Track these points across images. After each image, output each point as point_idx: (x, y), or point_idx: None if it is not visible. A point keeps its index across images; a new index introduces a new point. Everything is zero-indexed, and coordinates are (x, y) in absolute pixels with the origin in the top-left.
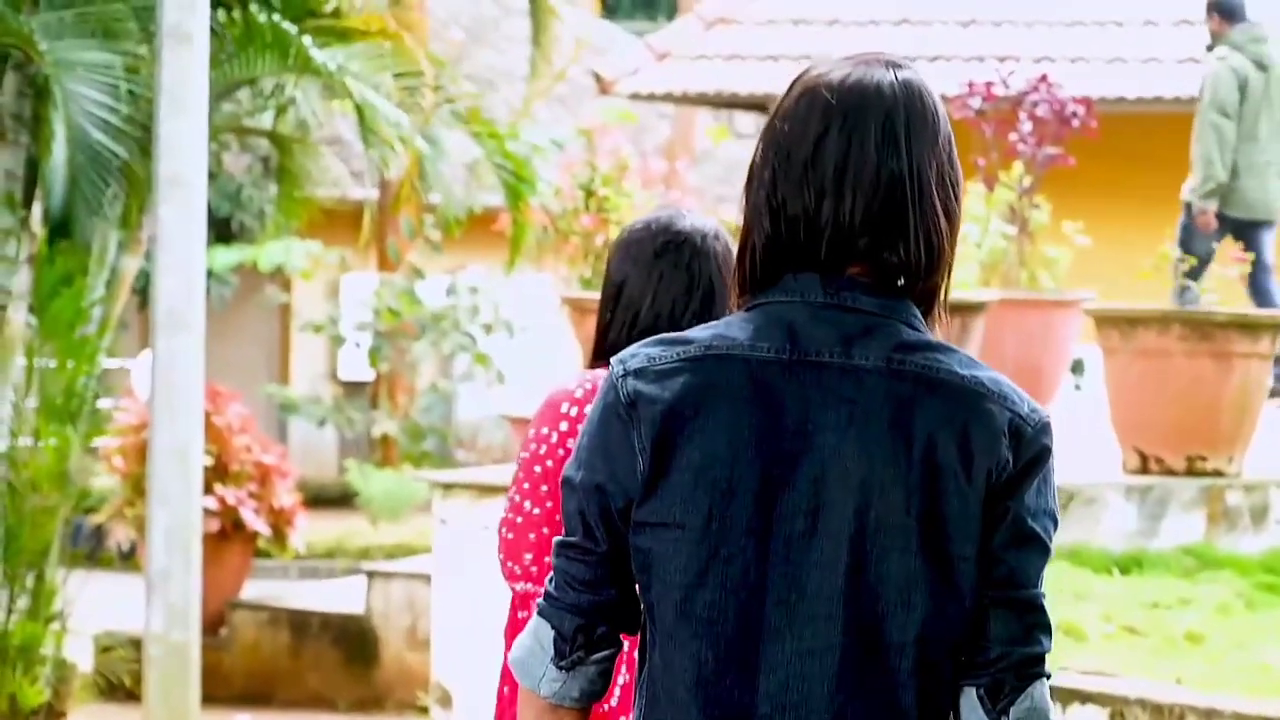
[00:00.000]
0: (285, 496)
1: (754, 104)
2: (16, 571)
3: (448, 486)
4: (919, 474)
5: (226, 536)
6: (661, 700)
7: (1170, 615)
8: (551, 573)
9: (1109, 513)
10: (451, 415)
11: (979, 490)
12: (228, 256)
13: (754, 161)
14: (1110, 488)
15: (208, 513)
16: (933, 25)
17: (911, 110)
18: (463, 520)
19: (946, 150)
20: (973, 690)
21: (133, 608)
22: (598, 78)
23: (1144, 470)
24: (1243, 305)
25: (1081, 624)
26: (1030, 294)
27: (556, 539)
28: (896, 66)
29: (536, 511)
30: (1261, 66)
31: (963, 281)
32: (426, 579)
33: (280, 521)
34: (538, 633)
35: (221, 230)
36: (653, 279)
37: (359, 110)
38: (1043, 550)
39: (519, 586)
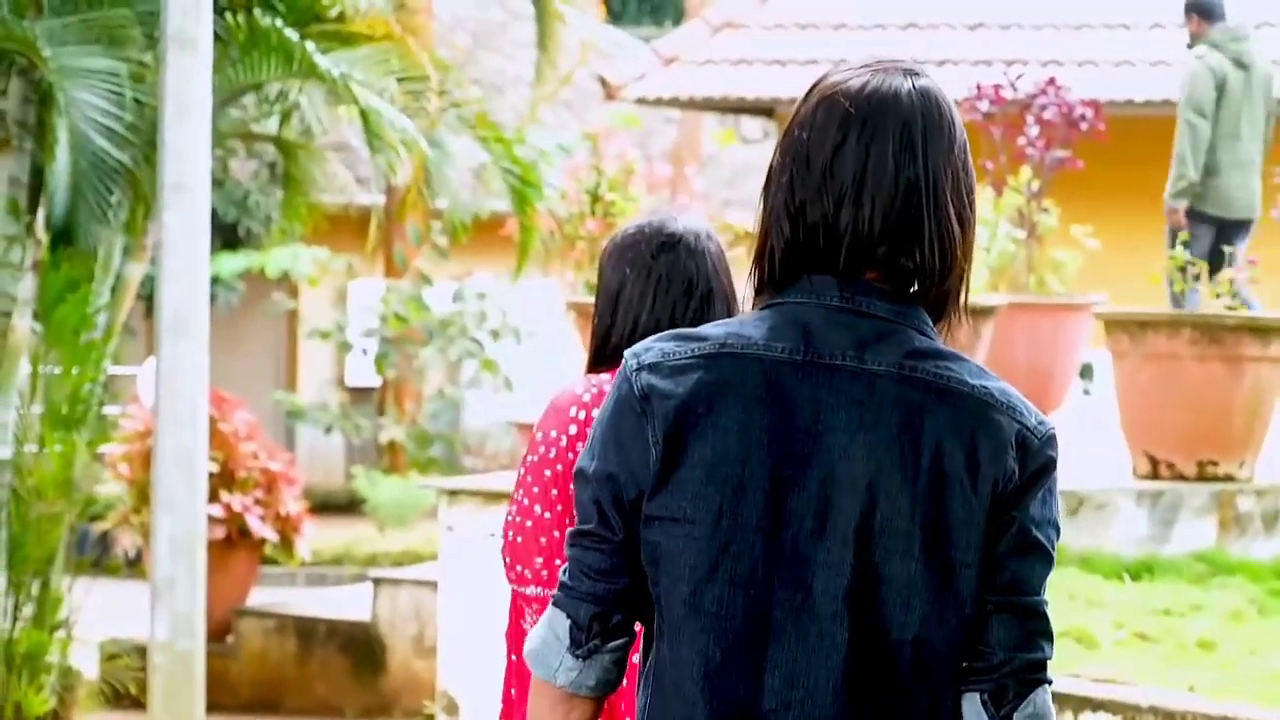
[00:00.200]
0: (292, 504)
1: (760, 109)
2: (22, 579)
3: (453, 493)
4: (926, 481)
5: (233, 544)
6: (668, 693)
7: (1182, 622)
8: (567, 562)
9: (1120, 518)
10: (459, 422)
11: (984, 500)
12: (234, 263)
13: (772, 166)
14: (1121, 493)
15: (214, 520)
16: (940, 29)
17: (929, 118)
18: (469, 527)
19: (962, 158)
20: (976, 695)
21: (139, 615)
22: (603, 83)
23: (1155, 475)
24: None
25: (1093, 631)
26: (1039, 298)
27: (571, 529)
28: (914, 74)
29: (547, 515)
30: (1241, 65)
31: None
32: (433, 586)
33: (287, 529)
34: (553, 623)
35: (228, 236)
36: (651, 282)
37: (364, 115)
38: (1046, 559)
39: (529, 590)
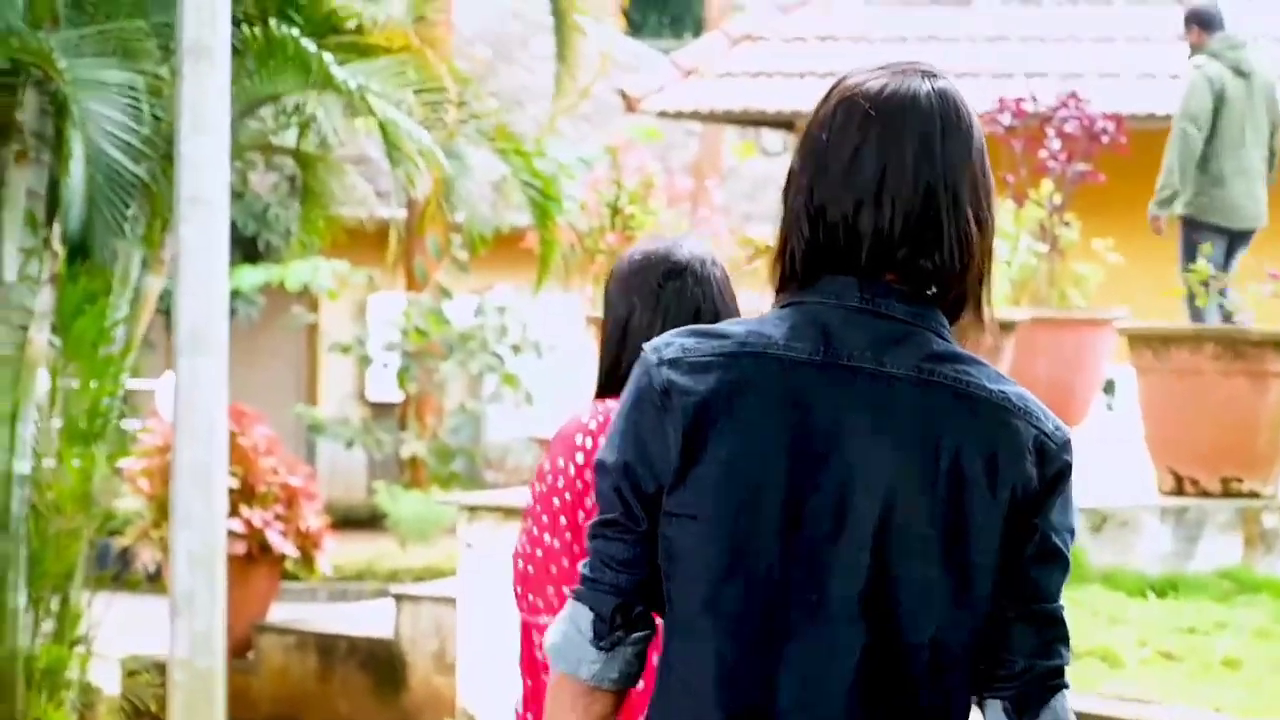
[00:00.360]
0: (312, 519)
1: (781, 121)
2: (41, 594)
3: (473, 509)
4: (944, 485)
5: (253, 559)
6: (675, 690)
7: (1207, 640)
8: (588, 556)
9: (1143, 535)
10: (480, 436)
11: (1002, 505)
12: (254, 276)
13: (792, 167)
14: (1145, 510)
15: (234, 535)
16: (961, 41)
17: (947, 120)
18: (488, 543)
19: (980, 160)
20: (998, 703)
21: (160, 631)
22: (624, 95)
23: (1179, 492)
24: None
25: (1117, 649)
26: (1061, 312)
27: (593, 521)
28: (932, 76)
29: (556, 544)
30: (1240, 73)
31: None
32: (454, 602)
33: (307, 544)
34: (574, 617)
35: (248, 250)
36: (659, 310)
37: (382, 127)
38: (1064, 565)
39: (542, 619)
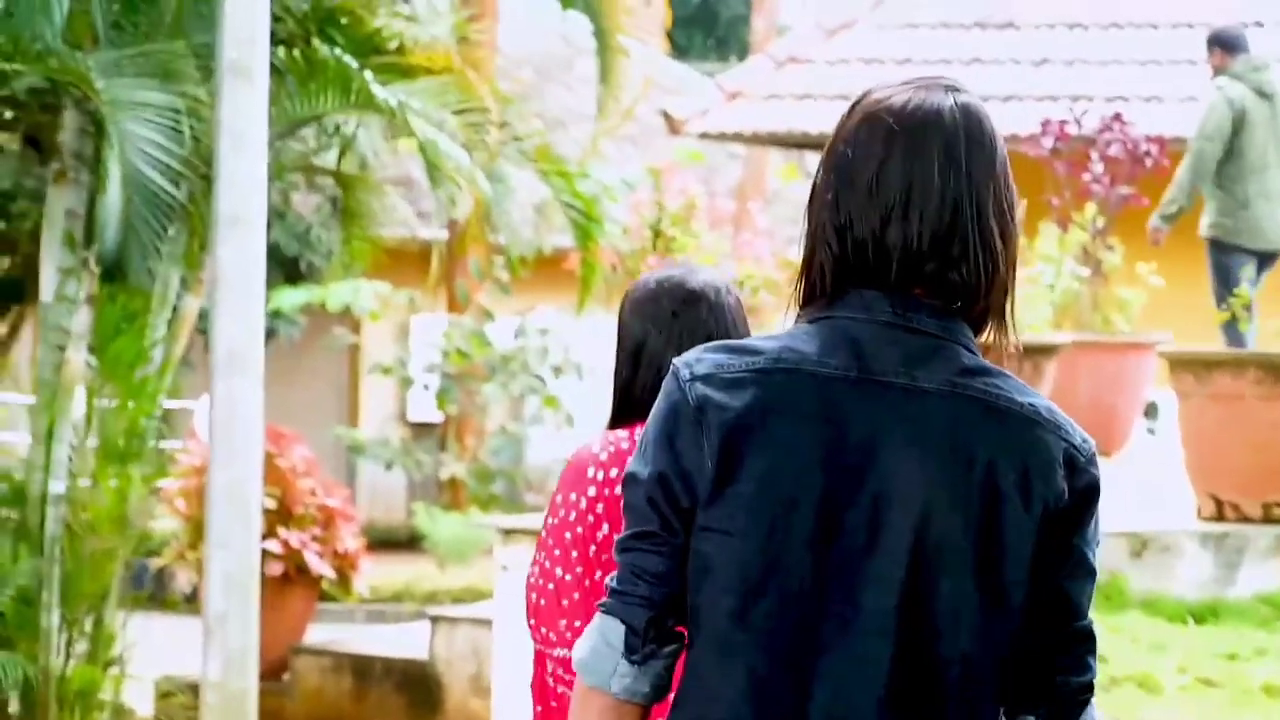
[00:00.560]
0: (350, 540)
1: (824, 144)
2: (75, 615)
3: (509, 532)
4: (979, 499)
5: (290, 581)
6: (704, 702)
7: (1247, 667)
8: (617, 569)
9: (1184, 561)
10: (521, 458)
11: (1036, 519)
12: (295, 297)
13: (816, 183)
14: (1185, 535)
15: (271, 556)
16: (1005, 64)
17: (971, 134)
18: (524, 566)
19: (1003, 173)
20: (1032, 719)
21: (196, 651)
22: (667, 117)
23: (1220, 517)
24: None
25: (1157, 675)
26: (1103, 336)
27: (625, 534)
28: (955, 90)
29: (568, 578)
30: (1263, 95)
31: (1034, 324)
32: (490, 624)
33: (344, 565)
34: (604, 630)
35: (290, 270)
36: (673, 338)
37: (422, 148)
38: (1093, 579)
39: (555, 653)
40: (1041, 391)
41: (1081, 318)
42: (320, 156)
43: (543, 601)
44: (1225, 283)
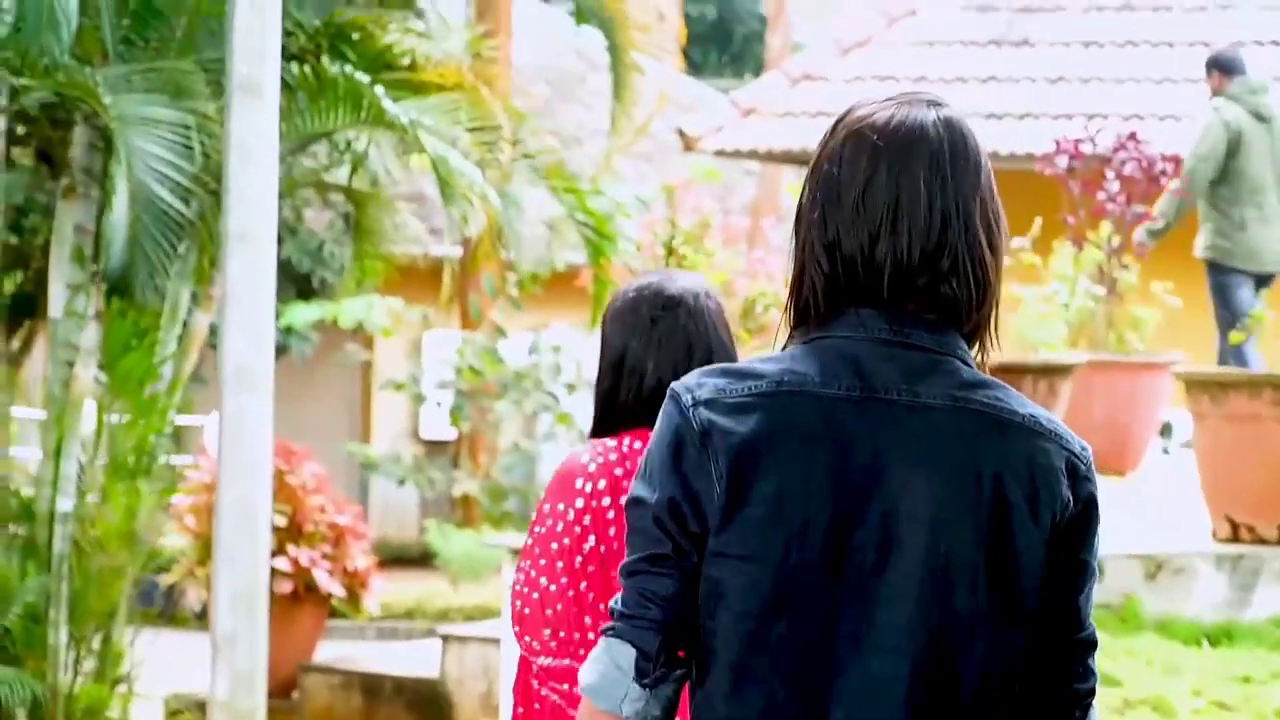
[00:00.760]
0: (360, 558)
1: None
2: (83, 633)
3: (517, 551)
4: (988, 511)
5: (299, 598)
6: None
7: (1263, 690)
8: (623, 593)
9: (1199, 583)
10: (534, 475)
11: (1044, 529)
12: (308, 313)
13: (802, 202)
14: (1200, 557)
15: (280, 574)
16: (1021, 82)
17: (955, 148)
18: None
19: (988, 185)
20: None
21: (206, 669)
22: (682, 134)
23: (1235, 539)
24: None
25: (1171, 699)
26: (1118, 356)
27: (633, 558)
28: (937, 105)
29: (553, 588)
30: (1261, 117)
31: (1049, 343)
32: (501, 643)
33: (354, 583)
34: (613, 655)
35: (302, 286)
36: (652, 345)
37: (434, 165)
38: (1094, 584)
39: (539, 660)
40: (1056, 411)
41: (1096, 337)
42: (332, 172)
43: (527, 610)
44: (1225, 304)
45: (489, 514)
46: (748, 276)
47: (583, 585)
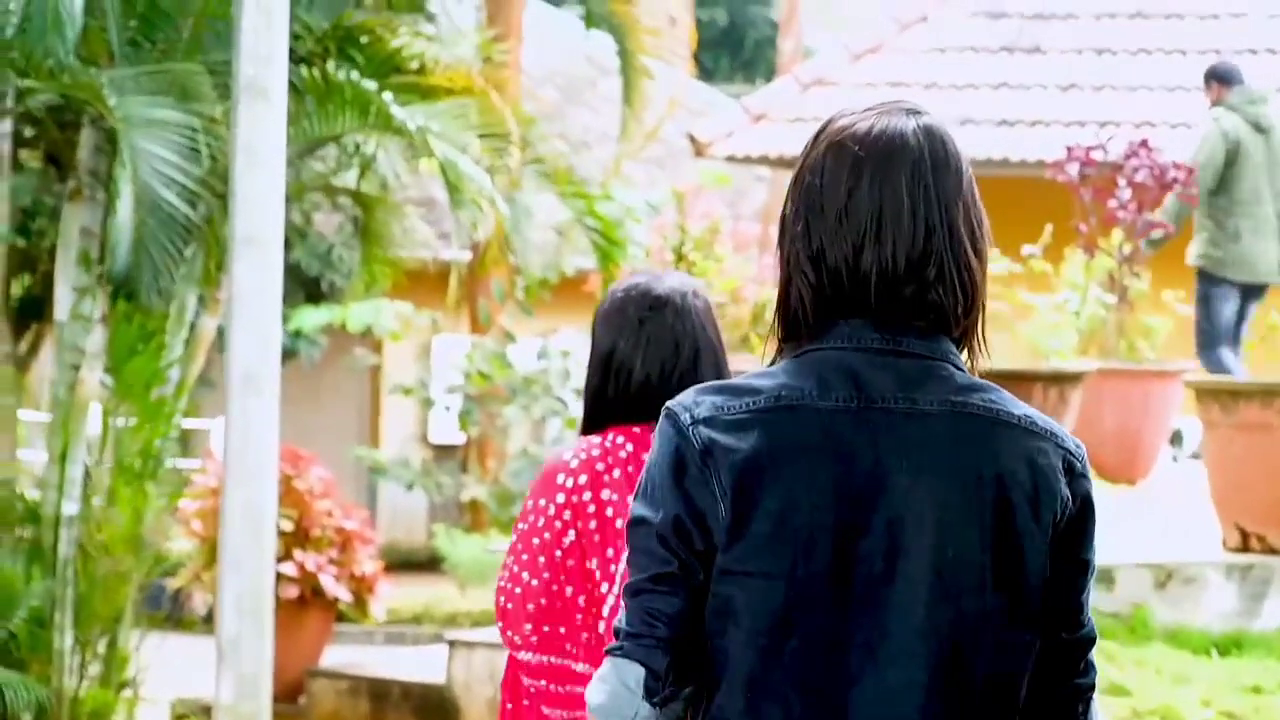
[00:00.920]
0: (367, 563)
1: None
2: (88, 637)
3: None
4: (991, 512)
5: (306, 603)
6: None
7: (1272, 700)
8: (627, 613)
9: (1209, 592)
10: None
11: (1046, 528)
12: (317, 317)
13: (785, 214)
14: (1210, 566)
15: (287, 579)
16: (1032, 90)
17: (936, 156)
18: None
19: (970, 191)
20: None
21: (211, 673)
22: (692, 139)
23: (1245, 548)
24: None
25: (1179, 709)
26: (1129, 364)
27: (637, 577)
28: (916, 113)
29: (535, 583)
30: (1259, 128)
31: (1060, 351)
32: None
33: (361, 588)
34: (621, 674)
35: (311, 290)
36: (640, 344)
37: (442, 169)
38: (1092, 582)
39: (521, 655)
40: (1066, 419)
41: (1107, 345)
42: (340, 176)
43: (510, 605)
44: (1207, 315)
45: (497, 519)
46: (758, 282)
47: (562, 579)
